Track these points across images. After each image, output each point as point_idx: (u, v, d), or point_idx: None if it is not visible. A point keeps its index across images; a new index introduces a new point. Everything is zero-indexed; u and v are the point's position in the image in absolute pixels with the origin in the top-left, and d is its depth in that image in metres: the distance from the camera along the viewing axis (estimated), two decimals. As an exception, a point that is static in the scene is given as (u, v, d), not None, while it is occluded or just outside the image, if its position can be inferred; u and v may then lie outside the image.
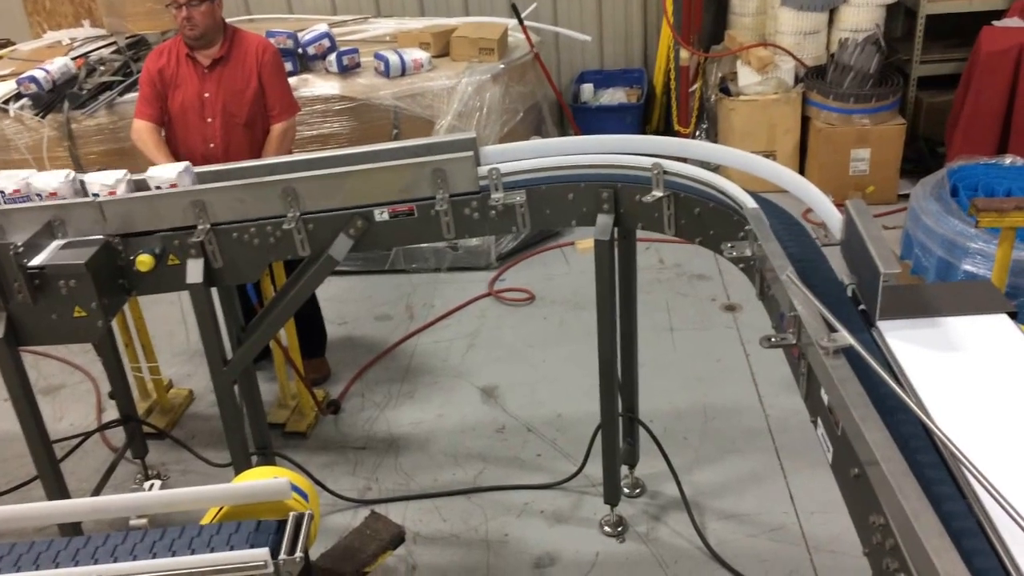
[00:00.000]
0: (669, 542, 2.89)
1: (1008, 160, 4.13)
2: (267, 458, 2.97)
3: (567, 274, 4.50)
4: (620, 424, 2.87)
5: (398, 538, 1.96)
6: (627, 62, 6.12)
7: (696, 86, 5.53)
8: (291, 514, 1.63)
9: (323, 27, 4.64)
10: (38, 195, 2.57)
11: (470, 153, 2.46)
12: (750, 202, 2.05)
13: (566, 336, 4.00)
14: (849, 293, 1.84)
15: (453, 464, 3.27)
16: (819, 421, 1.59)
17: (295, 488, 1.74)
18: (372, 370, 3.86)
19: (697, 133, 5.56)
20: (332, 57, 4.50)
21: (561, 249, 4.73)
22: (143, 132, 3.30)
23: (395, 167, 2.47)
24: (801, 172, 5.22)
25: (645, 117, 5.85)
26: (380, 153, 2.56)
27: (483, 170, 2.46)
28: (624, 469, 3.06)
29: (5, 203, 2.56)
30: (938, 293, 1.77)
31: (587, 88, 5.88)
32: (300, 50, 4.52)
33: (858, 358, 1.44)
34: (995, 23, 4.71)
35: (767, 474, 3.12)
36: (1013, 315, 1.70)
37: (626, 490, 3.08)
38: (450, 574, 2.80)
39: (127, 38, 5.07)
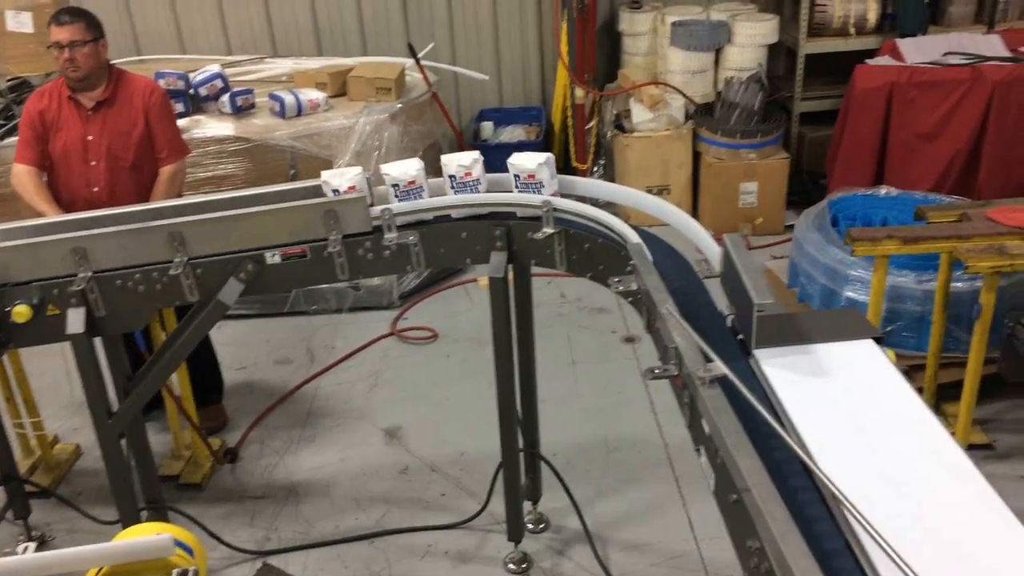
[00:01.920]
0: (573, 576, 2.90)
1: (883, 191, 4.36)
2: (158, 513, 2.86)
3: (470, 311, 4.52)
4: (521, 460, 2.88)
5: (291, 589, 1.91)
6: (525, 100, 6.22)
7: (592, 123, 5.67)
8: (175, 571, 1.58)
9: (215, 67, 4.58)
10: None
11: (364, 194, 2.46)
12: (633, 237, 2.11)
13: (470, 373, 4.00)
14: (729, 324, 1.91)
15: (355, 508, 3.22)
16: (702, 450, 1.63)
17: (179, 543, 1.68)
18: (272, 415, 3.77)
19: (595, 169, 5.68)
20: (225, 98, 4.43)
21: (464, 286, 4.75)
22: (23, 176, 3.18)
23: (286, 209, 2.45)
24: (694, 205, 5.40)
25: (545, 154, 5.95)
26: (270, 195, 2.53)
27: (376, 210, 2.46)
28: (528, 505, 3.07)
29: None
30: (811, 321, 1.85)
31: (487, 126, 5.95)
32: (191, 91, 4.45)
33: (737, 387, 1.49)
34: (868, 61, 4.99)
35: (667, 503, 3.18)
36: (879, 340, 1.79)
37: (530, 525, 3.08)
38: (353, 622, 2.75)
39: (8, 80, 4.89)
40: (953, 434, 3.17)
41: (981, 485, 1.40)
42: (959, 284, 3.48)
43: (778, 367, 1.72)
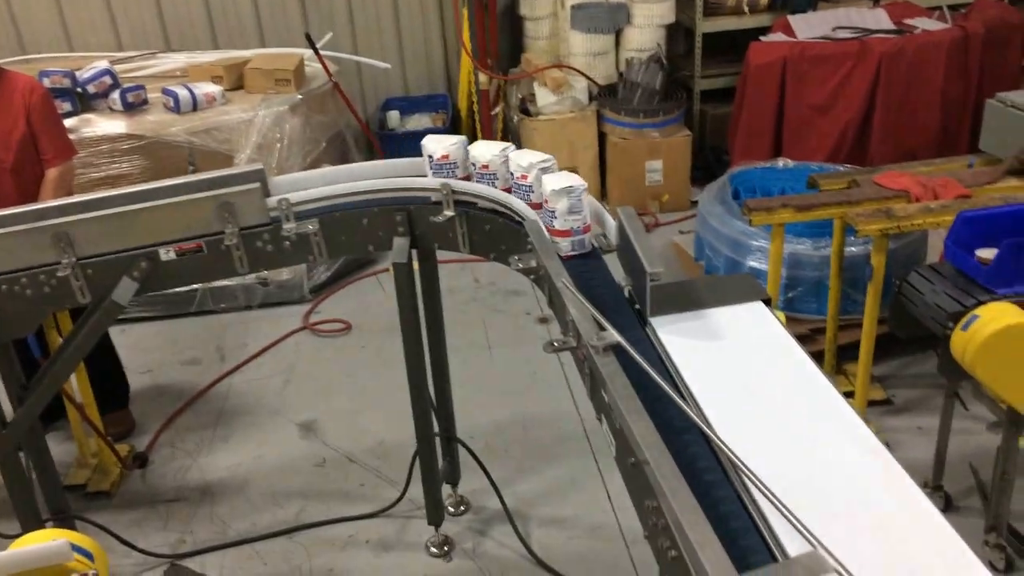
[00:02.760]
0: (495, 554, 2.92)
1: (781, 163, 4.50)
2: (64, 523, 2.77)
3: (383, 301, 4.49)
4: (438, 445, 2.89)
5: (201, 587, 1.88)
6: (431, 87, 6.20)
7: (498, 108, 5.69)
8: (73, 576, 1.54)
9: (104, 64, 4.43)
10: None
11: (257, 185, 2.41)
12: (530, 214, 2.13)
13: (385, 363, 3.98)
14: (626, 295, 1.95)
15: (272, 505, 3.17)
16: (603, 418, 1.66)
17: (78, 548, 1.64)
18: (182, 417, 3.69)
19: (503, 154, 5.69)
20: (115, 95, 4.29)
21: (376, 276, 4.71)
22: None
23: (178, 204, 2.38)
24: (602, 185, 5.47)
25: (453, 141, 5.94)
26: (161, 190, 2.45)
27: (272, 201, 2.42)
28: (448, 488, 3.08)
29: None
30: (704, 287, 1.90)
31: (393, 115, 5.91)
32: (79, 89, 4.29)
33: (630, 353, 1.52)
34: (761, 38, 5.13)
35: (585, 476, 3.23)
36: (768, 302, 1.85)
37: (450, 509, 3.09)
38: (273, 618, 2.72)
39: None
40: (853, 392, 3.31)
41: (871, 441, 1.45)
42: (853, 249, 3.62)
43: (673, 333, 1.76)
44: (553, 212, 2.01)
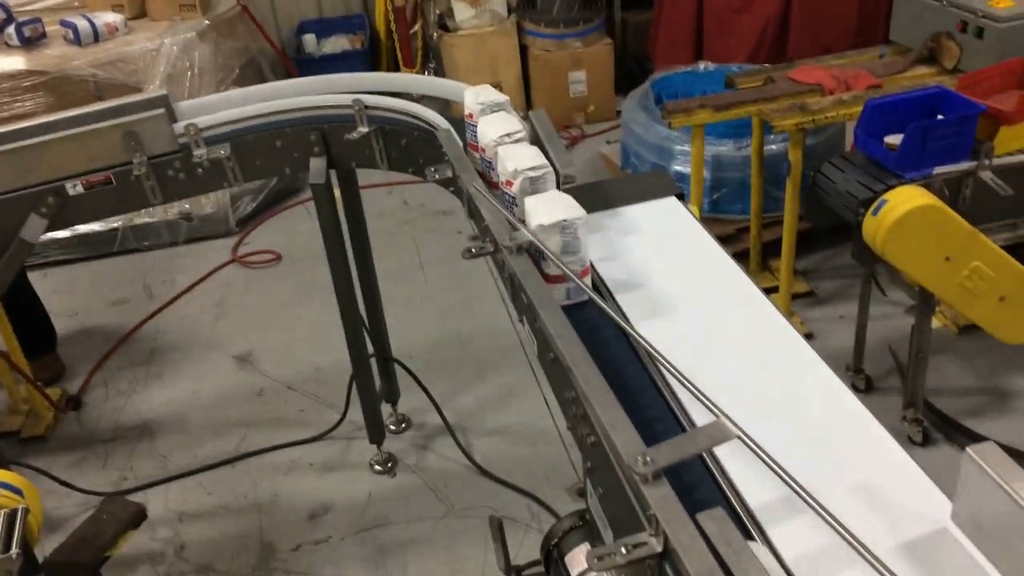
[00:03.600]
0: (439, 467, 2.98)
1: (702, 66, 4.50)
2: (-1, 469, 2.73)
3: (313, 229, 4.32)
4: (374, 366, 2.90)
5: (138, 516, 1.88)
6: (346, 9, 6.01)
7: (417, 26, 5.55)
8: (1, 512, 1.53)
9: (-6, -3, 4.20)
10: None
11: (162, 111, 2.34)
12: (442, 123, 2.11)
13: (317, 291, 3.95)
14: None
15: (213, 437, 3.17)
16: (524, 319, 1.69)
17: (4, 485, 1.62)
18: (113, 358, 3.63)
19: (425, 72, 5.60)
20: (11, 29, 4.08)
21: (304, 205, 4.64)
22: None
23: (81, 135, 2.30)
24: (528, 99, 5.42)
25: (374, 63, 5.80)
26: (62, 122, 2.36)
27: (180, 127, 2.35)
28: (388, 408, 3.11)
29: None
30: (618, 186, 1.92)
31: (309, 39, 5.72)
32: (-30, 25, 4.07)
33: (542, 250, 1.54)
34: (677, -60, 5.06)
35: (524, 386, 3.28)
36: (681, 196, 1.88)
37: (392, 427, 3.13)
38: (222, 545, 2.74)
39: None
40: (778, 287, 3.40)
41: (782, 327, 1.49)
42: (773, 147, 3.67)
43: (590, 232, 1.77)
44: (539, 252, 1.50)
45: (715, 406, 1.09)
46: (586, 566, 1.44)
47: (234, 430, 3.19)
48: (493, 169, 1.78)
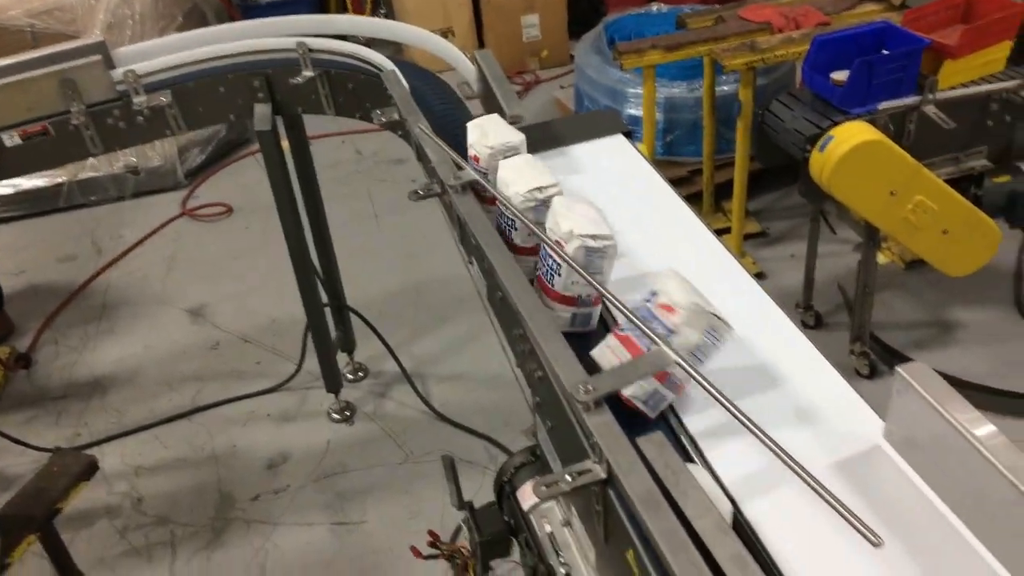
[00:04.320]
0: (397, 414, 3.00)
1: (655, 7, 4.47)
2: (-53, 429, 2.70)
3: (265, 180, 4.31)
4: (329, 316, 2.89)
5: (90, 468, 1.87)
6: (293, -47, 5.85)
7: (366, -30, 5.44)
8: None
9: (-81, -58, 4.01)
10: None
11: (98, 57, 2.27)
12: (388, 65, 2.08)
13: (270, 242, 3.88)
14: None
15: (168, 391, 3.15)
16: (473, 260, 1.68)
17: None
18: (63, 315, 3.57)
19: (375, 17, 5.49)
20: (-62, -23, 3.92)
21: (254, 156, 4.56)
22: None
23: (14, 84, 2.23)
24: (480, 44, 5.35)
25: (322, 9, 5.67)
26: (-7, 70, 2.29)
27: (118, 74, 2.28)
28: (344, 357, 3.11)
29: None
30: (566, 125, 1.90)
31: (255, -16, 5.57)
32: None
33: (488, 189, 1.53)
34: None
35: (479, 332, 3.29)
36: (628, 134, 1.87)
37: (349, 376, 3.13)
38: (179, 497, 2.73)
39: None
40: (730, 228, 3.43)
41: (726, 260, 1.50)
42: (725, 88, 3.67)
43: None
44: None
45: (653, 333, 1.10)
46: (537, 499, 1.46)
47: (189, 384, 3.17)
48: (515, 228, 1.43)
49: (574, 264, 1.24)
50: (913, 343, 3.01)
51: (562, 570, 1.30)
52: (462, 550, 1.57)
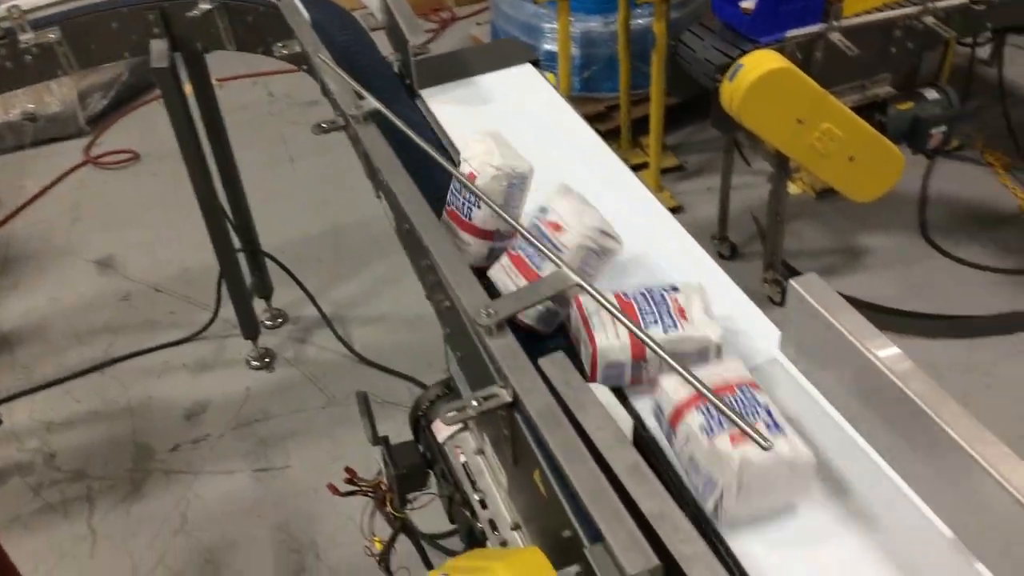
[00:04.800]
0: (318, 359, 2.96)
1: (569, -59, 4.39)
2: None
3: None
4: (243, 262, 2.82)
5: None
6: None
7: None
8: None
9: None
10: None
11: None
12: (285, -5, 2.00)
13: (180, 189, 3.72)
14: (396, 70, 1.89)
15: (78, 344, 3.05)
16: (381, 195, 1.65)
17: None
18: (-39, 270, 3.42)
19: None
20: None
21: (160, 100, 4.37)
22: None
23: None
24: (394, -18, 5.20)
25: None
26: None
27: (1, 10, 2.15)
28: (262, 303, 3.05)
29: None
30: (473, 55, 1.87)
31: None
32: None
33: (391, 120, 1.50)
34: None
35: (400, 275, 3.25)
36: (536, 63, 1.85)
37: (268, 323, 3.08)
38: (94, 451, 2.67)
39: None
40: (648, 163, 3.44)
41: (635, 186, 1.50)
42: (640, 21, 3.65)
43: (443, 103, 1.74)
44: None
45: (553, 254, 1.10)
46: (452, 430, 1.47)
47: (100, 336, 3.07)
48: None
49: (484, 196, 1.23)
50: (824, 269, 3.09)
51: (476, 496, 1.31)
52: (380, 485, 1.57)
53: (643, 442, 1.04)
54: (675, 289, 1.11)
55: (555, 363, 1.00)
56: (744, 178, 3.49)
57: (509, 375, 1.00)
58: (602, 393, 1.00)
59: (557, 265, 1.08)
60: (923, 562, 0.90)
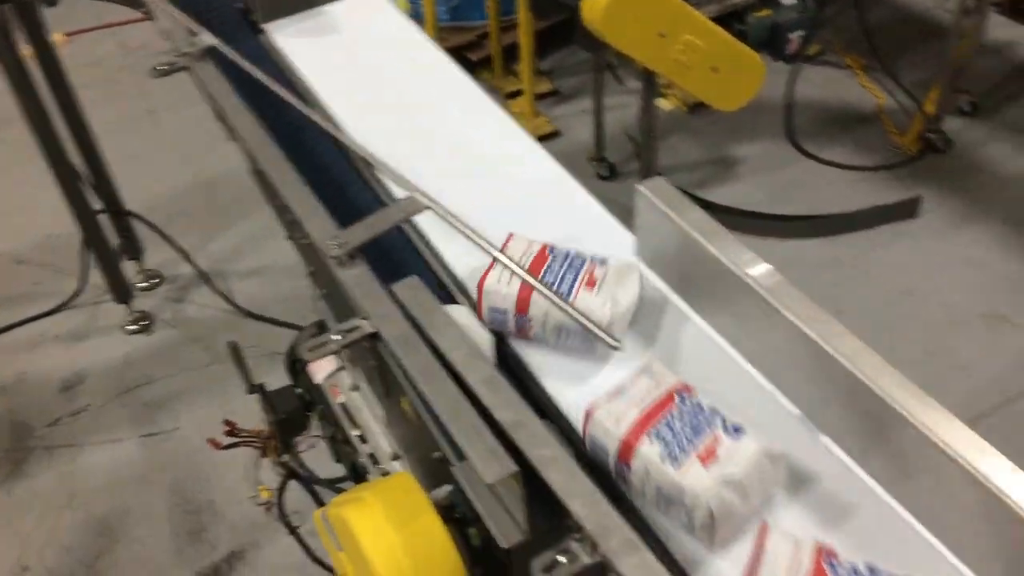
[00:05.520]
0: (199, 317, 2.87)
1: None
2: None
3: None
4: (107, 224, 2.69)
5: None
6: None
7: None
8: None
9: None
10: None
11: None
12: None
13: (32, 154, 3.54)
14: (241, 5, 1.80)
15: (-65, 327, 2.87)
16: (231, 136, 1.59)
17: None
18: None
19: None
20: None
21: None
22: None
23: None
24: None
25: None
26: None
27: None
28: (134, 265, 2.92)
29: None
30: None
31: None
32: None
33: (231, 57, 1.43)
34: None
35: (276, 225, 3.16)
36: (387, -11, 1.79)
37: (142, 285, 2.96)
38: (-34, 435, 2.54)
39: None
40: (522, 91, 3.41)
41: (501, 117, 1.47)
42: (505, -57, 3.58)
43: (291, 36, 1.67)
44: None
45: (405, 179, 1.07)
46: (329, 370, 1.44)
47: (-42, 315, 2.90)
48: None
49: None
50: (697, 182, 3.16)
51: (355, 432, 1.30)
52: (261, 433, 1.54)
53: (508, 358, 1.04)
54: (603, 262, 1.01)
55: (409, 288, 0.98)
56: (620, 98, 3.51)
57: (365, 304, 0.98)
58: (460, 314, 0.99)
59: (410, 192, 1.06)
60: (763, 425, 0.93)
